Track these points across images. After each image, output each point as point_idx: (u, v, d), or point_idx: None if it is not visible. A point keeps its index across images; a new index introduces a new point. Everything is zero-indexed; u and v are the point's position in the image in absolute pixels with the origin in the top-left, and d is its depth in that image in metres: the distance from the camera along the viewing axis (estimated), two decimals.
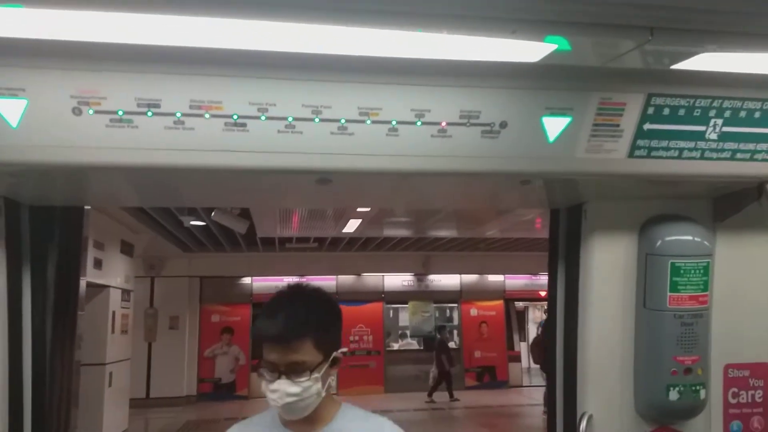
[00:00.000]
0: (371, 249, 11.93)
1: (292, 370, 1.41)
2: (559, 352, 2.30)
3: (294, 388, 1.41)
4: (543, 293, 14.46)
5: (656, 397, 2.04)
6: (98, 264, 7.72)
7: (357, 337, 13.47)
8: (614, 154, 1.81)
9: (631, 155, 1.82)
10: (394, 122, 1.67)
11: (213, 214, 7.22)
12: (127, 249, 9.16)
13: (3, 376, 1.86)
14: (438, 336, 13.13)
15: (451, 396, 12.39)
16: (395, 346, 14.21)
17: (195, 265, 12.59)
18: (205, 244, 10.97)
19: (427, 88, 1.67)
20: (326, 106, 1.63)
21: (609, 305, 2.12)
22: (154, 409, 11.44)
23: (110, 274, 8.26)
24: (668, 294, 2.02)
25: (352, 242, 11.21)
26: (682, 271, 2.03)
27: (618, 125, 1.78)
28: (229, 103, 1.59)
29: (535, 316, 16.37)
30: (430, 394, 12.43)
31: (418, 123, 1.68)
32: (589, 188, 2.08)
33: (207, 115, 1.58)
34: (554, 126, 1.74)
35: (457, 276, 13.94)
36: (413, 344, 14.27)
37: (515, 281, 14.23)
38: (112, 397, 8.25)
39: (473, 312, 14.07)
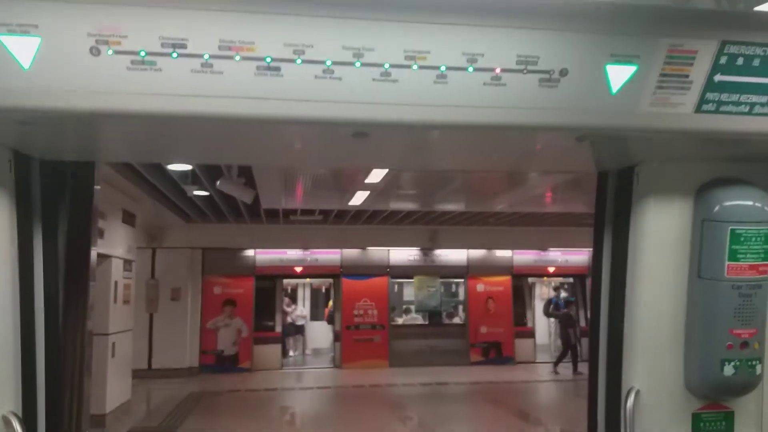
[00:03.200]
0: (377, 222, 11.77)
1: None
2: (603, 323, 2.18)
3: None
4: (551, 269, 14.36)
5: (709, 372, 1.94)
6: (100, 233, 7.55)
7: (362, 311, 13.40)
8: (681, 108, 1.66)
9: (698, 110, 1.67)
10: (443, 68, 1.52)
11: (219, 183, 7.01)
12: (129, 219, 8.99)
13: (15, 342, 1.75)
14: (565, 309, 13.48)
15: (575, 370, 12.71)
16: (400, 321, 14.14)
17: (197, 236, 12.46)
18: (207, 214, 10.80)
19: (480, 29, 1.51)
20: (369, 48, 1.48)
21: (660, 274, 2.00)
22: (157, 380, 11.41)
23: (112, 243, 8.10)
24: (726, 263, 1.90)
25: (358, 215, 11.04)
26: (742, 239, 1.90)
27: (687, 76, 1.64)
28: (262, 43, 1.45)
29: (542, 292, 16.27)
30: (555, 365, 13.06)
31: (470, 69, 1.53)
32: (645, 147, 1.94)
33: (237, 57, 1.44)
34: (618, 75, 1.60)
35: (464, 251, 13.80)
36: (418, 319, 14.20)
37: (524, 257, 14.10)
38: (115, 367, 8.17)
39: (480, 287, 13.96)
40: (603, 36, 1.57)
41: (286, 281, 14.52)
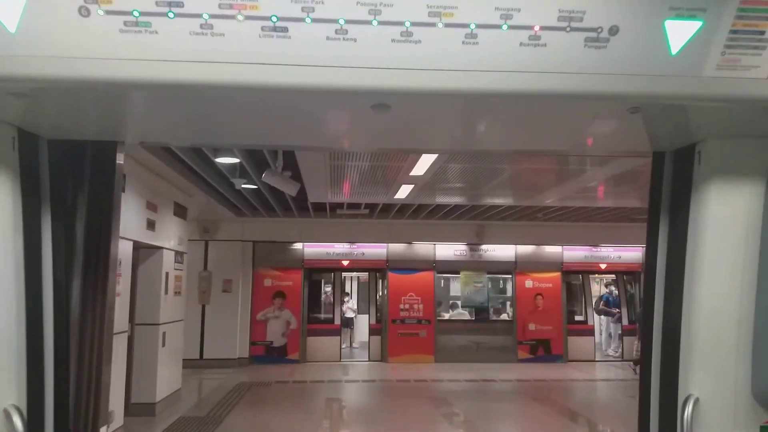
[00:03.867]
0: (423, 216, 11.67)
1: None
2: (657, 322, 1.95)
3: None
4: (603, 266, 13.92)
5: None
6: (151, 225, 7.75)
7: (407, 306, 13.33)
8: (754, 72, 1.42)
9: None
10: (472, 26, 1.34)
11: (264, 175, 7.09)
12: (180, 211, 9.21)
13: (19, 334, 1.67)
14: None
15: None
16: (446, 316, 14.01)
17: (248, 229, 12.68)
18: (257, 208, 10.97)
19: None
20: (387, 3, 1.31)
21: (725, 268, 1.76)
22: (207, 370, 11.68)
23: (163, 236, 8.30)
24: None
25: (404, 209, 10.97)
26: None
27: (763, 32, 1.39)
28: (267, 0, 1.30)
29: (594, 289, 15.81)
30: (635, 364, 12.54)
31: (504, 27, 1.35)
32: (710, 120, 1.68)
33: (240, 17, 1.31)
34: (680, 32, 1.37)
35: (512, 246, 13.53)
36: (465, 314, 14.03)
37: (574, 253, 13.70)
38: (166, 356, 8.38)
39: (528, 284, 13.66)
40: None
41: (342, 274, 14.59)
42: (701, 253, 1.78)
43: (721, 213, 1.76)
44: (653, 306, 1.98)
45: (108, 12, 1.28)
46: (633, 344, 12.78)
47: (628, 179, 7.58)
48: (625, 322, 13.94)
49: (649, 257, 2.01)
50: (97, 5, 1.28)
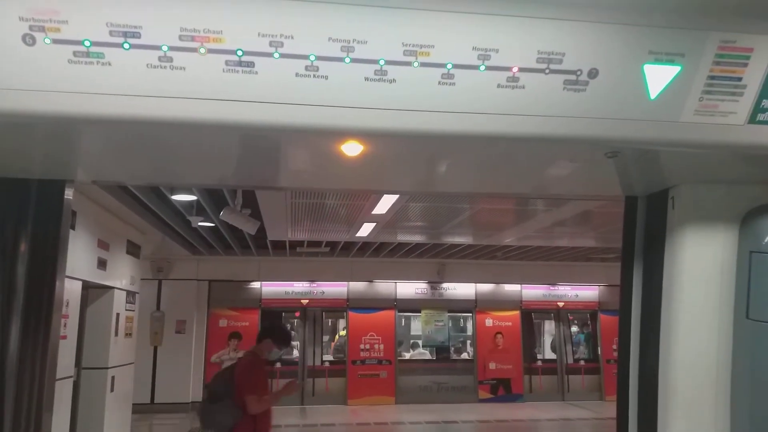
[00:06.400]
0: (384, 255, 11.61)
1: None
2: (633, 368, 1.91)
3: None
4: (561, 304, 14.07)
5: (763, 429, 1.67)
6: (102, 264, 7.44)
7: (368, 346, 13.12)
8: (731, 117, 1.41)
9: (752, 120, 1.42)
10: (449, 65, 1.29)
11: (222, 213, 6.93)
12: (133, 250, 8.89)
13: None
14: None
15: None
16: (407, 356, 13.84)
17: (203, 268, 12.34)
18: (214, 246, 10.71)
19: (494, 18, 1.27)
20: (360, 40, 1.25)
21: (701, 314, 1.74)
22: (159, 415, 11.15)
23: (115, 275, 7.98)
24: None
25: (365, 247, 10.90)
26: None
27: (740, 79, 1.38)
28: (232, 33, 1.23)
29: (550, 328, 15.94)
30: None
31: (482, 67, 1.30)
32: (686, 166, 1.68)
33: (202, 50, 1.23)
34: (658, 77, 1.35)
35: (473, 285, 13.56)
36: (426, 354, 13.88)
37: (533, 291, 13.82)
38: (114, 402, 7.95)
39: (488, 322, 13.67)
40: (640, 29, 1.31)
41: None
42: (677, 298, 1.76)
43: (696, 258, 1.75)
44: (629, 352, 1.94)
45: (56, 41, 1.19)
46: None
47: (584, 219, 7.74)
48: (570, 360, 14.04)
49: (624, 302, 1.97)
50: (44, 33, 1.18)
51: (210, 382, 5.25)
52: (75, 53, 1.20)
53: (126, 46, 1.21)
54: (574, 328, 14.47)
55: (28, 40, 1.17)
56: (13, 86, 1.19)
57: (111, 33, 1.19)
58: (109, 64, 1.21)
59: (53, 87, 1.20)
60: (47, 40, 1.18)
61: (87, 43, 1.19)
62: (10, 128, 1.34)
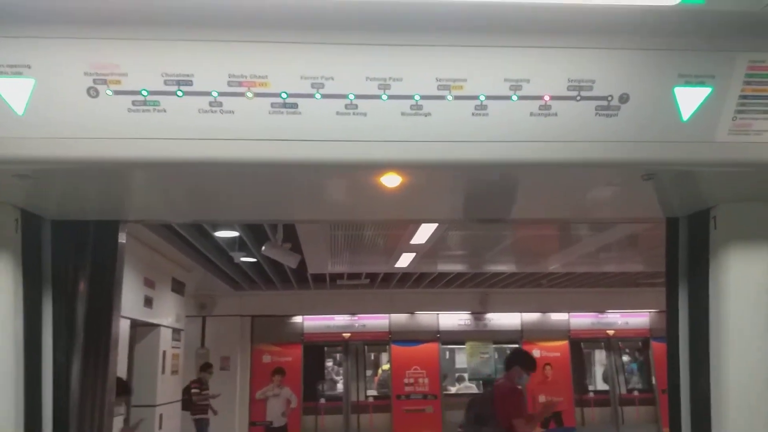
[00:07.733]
0: (425, 285, 11.50)
1: None
2: (684, 396, 1.85)
3: None
4: (611, 332, 13.60)
5: None
6: (149, 302, 7.59)
7: (412, 380, 12.90)
8: (766, 136, 1.43)
9: None
10: (482, 97, 1.35)
11: (263, 248, 7.00)
12: (178, 287, 9.06)
13: (17, 417, 1.60)
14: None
15: None
16: (452, 390, 13.54)
17: (246, 303, 12.45)
18: (255, 281, 10.82)
19: (524, 50, 1.33)
20: (396, 78, 1.32)
21: (750, 335, 1.69)
22: None
23: (161, 313, 8.12)
24: None
25: (405, 278, 10.82)
26: None
27: None
28: (276, 77, 1.31)
29: (601, 357, 15.41)
30: None
31: (514, 97, 1.36)
32: (724, 185, 1.68)
33: (249, 94, 1.32)
34: (690, 99, 1.38)
35: (518, 314, 13.26)
36: (472, 387, 13.56)
37: (581, 320, 13.42)
38: None
39: (536, 353, 13.29)
40: (669, 53, 1.35)
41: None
42: (725, 322, 1.72)
43: (741, 277, 1.73)
44: (679, 377, 1.89)
45: (116, 92, 1.29)
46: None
47: (630, 243, 7.50)
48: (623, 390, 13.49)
49: (671, 327, 1.94)
50: (106, 86, 1.29)
51: (472, 406, 5.52)
52: (134, 102, 1.30)
53: (179, 93, 1.30)
54: (626, 357, 13.93)
55: (92, 92, 1.28)
56: (79, 135, 1.30)
57: (165, 82, 1.29)
58: (165, 110, 1.30)
59: (114, 134, 1.31)
60: (109, 92, 1.28)
61: (144, 93, 1.29)
62: (75, 174, 1.46)
